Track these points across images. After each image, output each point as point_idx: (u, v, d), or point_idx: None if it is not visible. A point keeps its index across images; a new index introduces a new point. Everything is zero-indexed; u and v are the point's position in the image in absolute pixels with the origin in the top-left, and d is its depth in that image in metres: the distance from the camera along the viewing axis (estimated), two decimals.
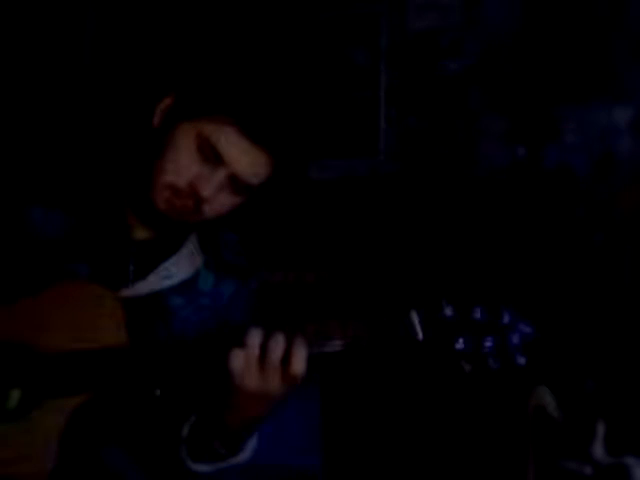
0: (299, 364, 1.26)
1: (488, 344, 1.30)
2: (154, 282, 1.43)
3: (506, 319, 1.31)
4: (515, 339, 1.30)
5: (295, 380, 1.27)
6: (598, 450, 2.21)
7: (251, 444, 1.40)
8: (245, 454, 1.40)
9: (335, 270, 2.97)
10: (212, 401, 1.36)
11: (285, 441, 2.43)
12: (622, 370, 2.42)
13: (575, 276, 2.61)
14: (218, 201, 1.34)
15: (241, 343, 1.26)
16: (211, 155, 1.31)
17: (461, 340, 1.30)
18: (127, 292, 1.40)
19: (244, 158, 1.31)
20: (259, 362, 1.25)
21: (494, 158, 2.82)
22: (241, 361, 1.25)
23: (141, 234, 1.44)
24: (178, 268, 1.45)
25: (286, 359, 1.26)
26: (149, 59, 3.24)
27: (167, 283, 1.43)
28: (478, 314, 1.31)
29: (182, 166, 1.33)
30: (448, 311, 1.31)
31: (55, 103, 3.25)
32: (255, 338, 1.25)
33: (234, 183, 1.33)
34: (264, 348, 1.25)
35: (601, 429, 2.23)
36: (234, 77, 1.37)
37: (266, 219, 2.79)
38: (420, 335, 1.30)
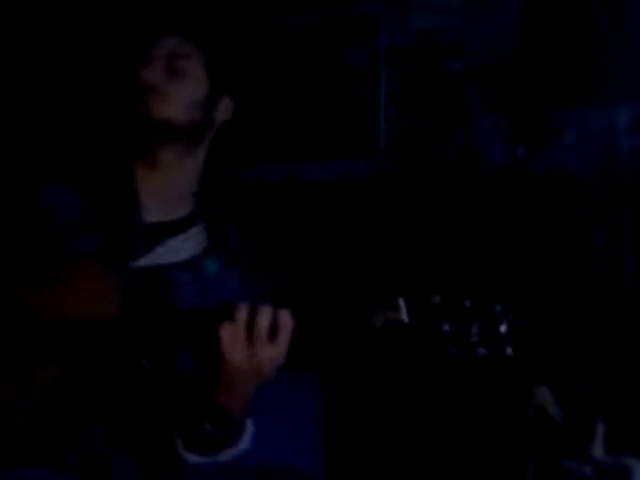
0: (285, 336, 1.34)
1: (475, 330, 1.32)
2: (158, 256, 1.53)
3: (496, 309, 1.34)
4: (503, 328, 1.33)
5: (281, 354, 1.35)
6: (598, 450, 2.21)
7: (246, 435, 1.43)
8: (240, 446, 1.42)
9: (334, 272, 2.97)
10: (202, 378, 1.42)
11: (283, 441, 2.43)
12: (622, 370, 2.42)
13: (575, 276, 2.61)
14: (167, 82, 1.58)
15: (231, 317, 1.34)
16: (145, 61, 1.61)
17: (447, 324, 1.33)
18: (133, 264, 1.50)
19: (163, 44, 1.63)
20: (246, 333, 1.34)
21: (494, 158, 2.82)
22: (229, 333, 1.34)
23: (153, 217, 1.58)
24: (183, 246, 1.57)
25: (273, 333, 1.34)
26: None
27: (171, 259, 1.54)
28: (468, 303, 1.34)
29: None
30: (436, 298, 1.35)
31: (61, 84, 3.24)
32: (243, 311, 1.34)
33: (170, 63, 1.60)
34: (252, 320, 1.34)
35: (601, 429, 2.23)
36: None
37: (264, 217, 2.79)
38: (406, 318, 1.33)
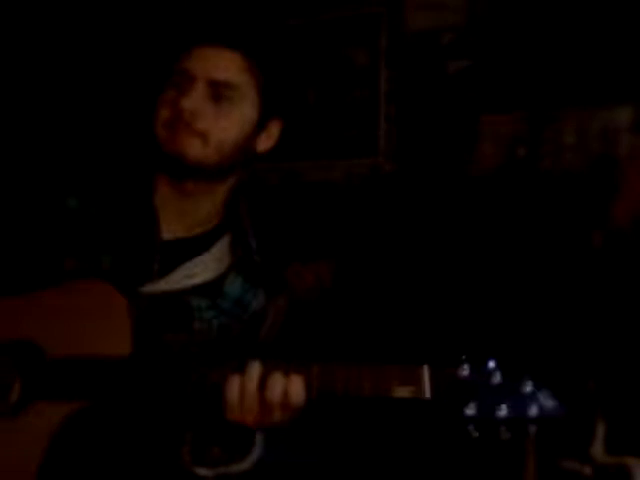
0: (296, 405, 1.23)
1: (502, 413, 1.20)
2: (176, 280, 1.42)
3: (527, 388, 1.22)
4: (533, 411, 1.21)
5: (289, 419, 1.25)
6: (598, 450, 2.21)
7: (256, 449, 1.39)
8: (249, 460, 1.38)
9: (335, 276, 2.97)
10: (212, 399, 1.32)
11: (283, 439, 2.42)
12: (622, 370, 2.42)
13: (575, 275, 2.61)
14: (207, 114, 1.39)
15: (241, 369, 1.23)
16: (182, 79, 1.40)
17: (473, 405, 1.21)
18: (148, 288, 1.40)
19: (207, 60, 1.39)
20: (258, 396, 1.22)
21: (494, 158, 2.82)
22: (237, 390, 1.23)
23: (172, 233, 1.45)
24: (203, 269, 1.45)
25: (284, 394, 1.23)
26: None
27: (189, 282, 1.43)
28: (498, 378, 1.22)
29: (165, 101, 1.41)
30: (464, 371, 1.22)
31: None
32: (255, 370, 1.22)
33: (213, 90, 1.39)
34: (263, 383, 1.22)
35: (601, 429, 2.23)
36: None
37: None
38: (428, 394, 1.21)
